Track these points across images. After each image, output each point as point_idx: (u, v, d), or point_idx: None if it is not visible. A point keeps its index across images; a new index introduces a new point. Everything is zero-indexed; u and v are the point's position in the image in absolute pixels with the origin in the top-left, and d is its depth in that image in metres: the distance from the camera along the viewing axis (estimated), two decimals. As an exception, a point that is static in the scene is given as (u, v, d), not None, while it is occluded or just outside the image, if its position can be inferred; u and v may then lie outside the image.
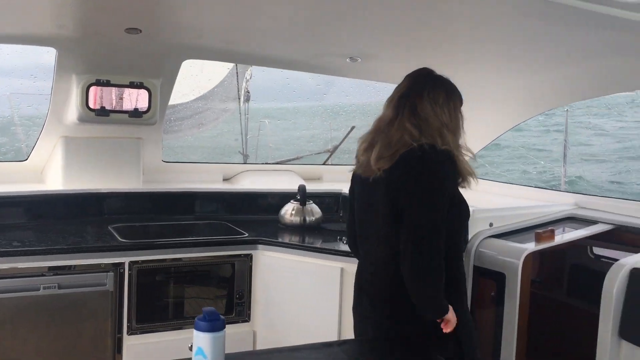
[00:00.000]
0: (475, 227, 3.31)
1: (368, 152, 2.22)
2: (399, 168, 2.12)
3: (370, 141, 2.24)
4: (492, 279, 3.03)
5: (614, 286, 2.46)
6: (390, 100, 2.27)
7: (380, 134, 2.21)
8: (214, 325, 1.72)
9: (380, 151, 2.16)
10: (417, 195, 2.07)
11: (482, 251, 3.24)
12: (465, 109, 4.20)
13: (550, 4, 2.26)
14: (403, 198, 2.09)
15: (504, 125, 4.15)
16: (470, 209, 3.31)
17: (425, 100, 2.20)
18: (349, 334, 3.05)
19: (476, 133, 4.30)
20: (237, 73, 5.57)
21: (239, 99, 5.65)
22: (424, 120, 2.16)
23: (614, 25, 2.48)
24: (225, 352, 1.81)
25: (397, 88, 2.30)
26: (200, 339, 1.73)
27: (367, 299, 2.33)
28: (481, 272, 3.21)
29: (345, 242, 3.34)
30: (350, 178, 2.47)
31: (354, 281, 2.46)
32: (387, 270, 2.19)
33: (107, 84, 3.34)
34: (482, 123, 4.26)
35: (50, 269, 2.91)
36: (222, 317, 1.76)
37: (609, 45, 2.93)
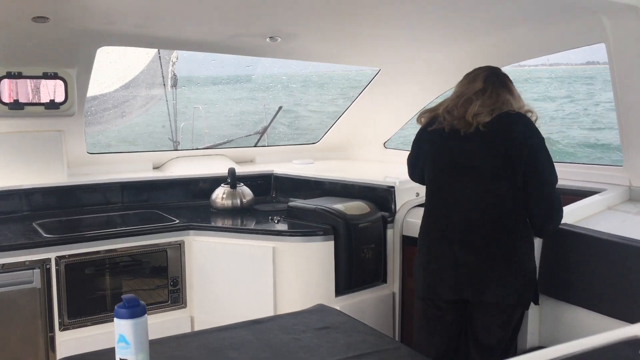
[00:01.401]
0: (402, 198, 3.41)
1: (457, 110, 2.54)
2: (505, 124, 2.47)
3: (456, 105, 2.56)
4: (419, 247, 3.13)
5: None
6: (474, 77, 2.61)
7: (471, 99, 2.53)
8: (133, 311, 1.72)
9: (477, 109, 2.49)
10: (538, 148, 2.45)
11: (410, 220, 3.34)
12: (391, 82, 4.31)
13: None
14: (523, 149, 2.43)
15: (428, 95, 4.24)
16: (396, 180, 3.43)
17: (509, 82, 2.63)
18: (284, 310, 3.10)
19: (399, 107, 4.40)
20: (159, 57, 5.45)
21: (164, 84, 5.54)
22: (514, 95, 2.58)
23: None
24: (159, 337, 1.82)
25: (472, 72, 2.67)
26: (122, 327, 1.73)
27: (461, 245, 2.48)
28: (409, 241, 3.32)
29: (277, 221, 3.37)
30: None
31: (427, 235, 2.62)
32: (492, 215, 2.45)
33: (19, 76, 3.23)
34: (404, 97, 4.35)
35: (-28, 270, 2.81)
36: (142, 302, 1.76)
37: (516, 15, 3.04)
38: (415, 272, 2.67)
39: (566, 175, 3.17)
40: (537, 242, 2.58)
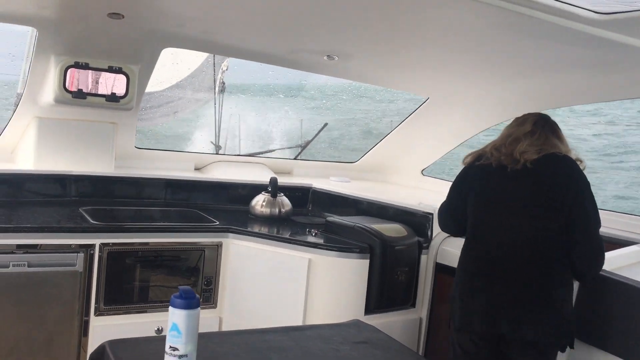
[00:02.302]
0: (438, 226, 3.44)
1: (506, 148, 2.61)
2: (552, 164, 2.53)
3: (504, 143, 2.63)
4: (453, 276, 3.16)
5: None
6: (523, 120, 2.69)
7: (519, 139, 2.60)
8: (189, 302, 1.79)
9: (525, 147, 2.56)
10: (584, 193, 2.48)
11: (445, 249, 3.38)
12: (438, 111, 4.37)
13: (520, 16, 2.39)
14: (569, 192, 2.46)
15: (472, 129, 4.29)
16: (434, 208, 3.47)
17: (558, 129, 2.69)
18: (313, 322, 3.16)
19: (446, 135, 4.46)
20: (214, 63, 5.59)
21: (214, 89, 5.67)
22: (562, 141, 2.64)
23: (577, 39, 2.62)
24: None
25: (522, 116, 2.74)
26: (176, 316, 1.79)
27: (499, 282, 2.51)
28: (442, 269, 3.36)
29: (314, 234, 3.44)
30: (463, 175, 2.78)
31: (466, 269, 2.65)
32: (532, 255, 2.47)
33: (86, 67, 3.35)
34: (449, 127, 4.41)
35: (20, 247, 2.91)
36: (197, 295, 1.83)
37: (570, 60, 3.09)
38: (452, 303, 2.68)
39: (605, 223, 3.18)
40: (575, 287, 2.60)
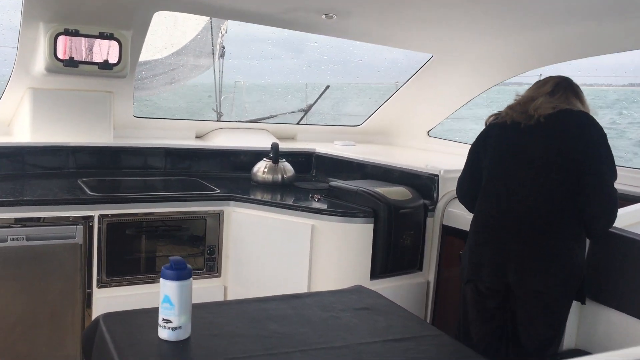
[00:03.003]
0: (445, 188, 3.36)
1: (521, 106, 2.57)
2: (566, 118, 2.47)
3: (520, 102, 2.60)
4: (459, 238, 3.09)
5: None
6: (544, 82, 2.63)
7: (536, 98, 2.56)
8: (180, 273, 1.74)
9: (541, 104, 2.52)
10: (599, 143, 2.42)
11: (451, 210, 3.30)
12: (442, 69, 4.24)
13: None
14: (583, 145, 2.41)
15: (478, 87, 4.16)
16: (440, 169, 3.39)
17: (581, 91, 2.62)
18: (318, 289, 3.10)
19: (452, 95, 4.33)
20: (211, 27, 5.46)
21: (213, 54, 5.56)
22: (584, 103, 2.59)
23: None
24: (195, 302, 1.83)
25: (543, 79, 2.67)
26: (167, 287, 1.74)
27: (508, 233, 2.49)
28: (449, 231, 3.28)
29: (317, 199, 3.36)
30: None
31: (478, 221, 2.63)
32: (543, 207, 2.43)
33: (76, 33, 3.25)
34: (454, 86, 4.28)
35: (18, 220, 2.87)
36: (188, 266, 1.77)
37: (578, 9, 2.95)
38: (463, 255, 2.68)
39: (617, 179, 3.09)
40: (587, 243, 2.52)
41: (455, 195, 3.33)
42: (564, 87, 2.58)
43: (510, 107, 2.64)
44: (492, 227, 2.56)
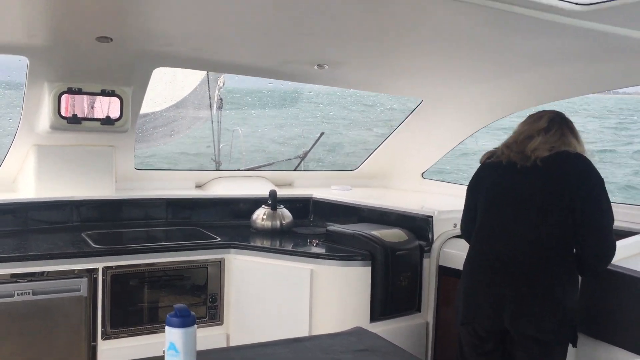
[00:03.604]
0: (440, 229, 3.44)
1: (517, 146, 2.59)
2: (564, 162, 2.49)
3: (516, 141, 2.62)
4: (456, 277, 3.15)
5: None
6: (538, 117, 2.65)
7: (532, 136, 2.58)
8: (185, 321, 1.80)
9: (538, 145, 2.53)
10: (598, 189, 2.44)
11: (446, 251, 3.37)
12: (433, 113, 4.38)
13: (504, 13, 2.39)
14: (580, 189, 2.43)
15: (469, 128, 4.29)
16: (434, 210, 3.47)
17: (574, 127, 2.65)
18: (319, 332, 3.14)
19: (443, 137, 4.45)
20: (208, 80, 5.63)
21: (211, 106, 5.71)
22: (579, 140, 2.61)
23: (562, 32, 2.62)
24: (198, 350, 1.89)
25: (537, 113, 2.70)
26: (173, 335, 1.80)
27: (502, 275, 2.51)
28: (445, 271, 3.35)
29: (315, 244, 3.43)
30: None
31: (473, 263, 2.65)
32: (536, 250, 2.46)
33: (79, 92, 3.38)
34: (445, 129, 4.40)
35: (24, 275, 2.94)
36: (192, 313, 1.83)
37: (559, 52, 3.09)
38: (457, 297, 2.70)
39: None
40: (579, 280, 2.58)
41: (450, 236, 3.42)
42: (558, 123, 2.60)
43: (506, 146, 2.65)
44: (486, 268, 2.57)
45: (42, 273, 2.98)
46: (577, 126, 2.70)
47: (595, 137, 20.64)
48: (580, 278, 2.58)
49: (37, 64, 3.18)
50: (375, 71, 3.77)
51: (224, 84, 5.56)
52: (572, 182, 2.45)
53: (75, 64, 3.26)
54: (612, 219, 2.47)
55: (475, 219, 2.71)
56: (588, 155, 2.58)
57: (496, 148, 2.72)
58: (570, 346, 2.59)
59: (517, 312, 2.46)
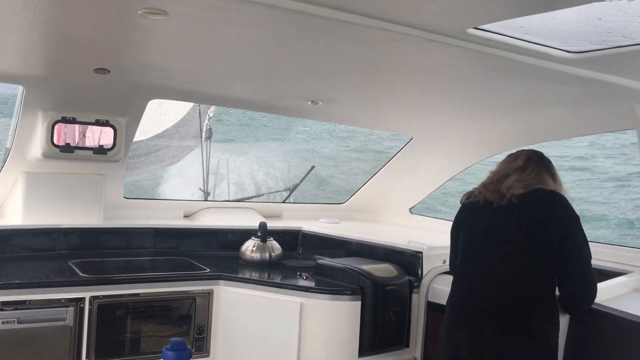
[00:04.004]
0: (429, 264, 3.47)
1: (494, 185, 2.63)
2: (538, 199, 2.51)
3: (492, 180, 2.66)
4: (444, 314, 3.17)
5: None
6: (516, 156, 2.69)
7: (508, 175, 2.61)
8: (181, 355, 1.79)
9: (513, 183, 2.57)
10: (574, 228, 2.47)
11: (435, 287, 3.40)
12: (423, 150, 4.45)
13: (496, 58, 2.47)
14: (556, 228, 2.44)
15: (458, 166, 4.36)
16: (424, 246, 3.50)
17: (552, 166, 2.69)
18: (307, 367, 3.14)
19: (432, 173, 4.52)
20: (199, 111, 5.66)
21: (201, 137, 5.74)
22: (555, 179, 2.64)
23: (554, 77, 2.71)
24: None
25: (515, 152, 2.74)
26: (167, 369, 1.79)
27: (486, 316, 2.50)
28: (434, 307, 3.36)
29: (305, 277, 3.44)
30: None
31: (454, 302, 2.67)
32: (516, 290, 2.47)
33: (73, 121, 3.39)
34: (435, 165, 4.47)
35: (9, 303, 2.89)
36: (188, 347, 1.83)
37: (549, 96, 3.18)
38: (441, 335, 2.71)
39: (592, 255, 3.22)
40: (565, 318, 2.61)
41: (440, 272, 3.45)
42: (535, 162, 2.62)
43: (483, 186, 2.69)
44: (466, 308, 2.59)
45: (27, 301, 2.94)
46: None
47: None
48: (565, 316, 2.61)
49: (33, 93, 3.19)
50: (367, 108, 3.84)
51: (213, 114, 5.60)
52: (548, 221, 2.46)
53: (71, 94, 3.28)
54: (590, 256, 2.49)
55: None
56: (563, 192, 2.61)
57: (474, 188, 2.75)
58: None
59: (498, 352, 2.47)
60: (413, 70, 2.89)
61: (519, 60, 2.46)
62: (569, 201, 2.56)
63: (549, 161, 2.70)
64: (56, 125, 3.37)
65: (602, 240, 3.56)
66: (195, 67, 3.03)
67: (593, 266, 2.55)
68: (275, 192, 4.85)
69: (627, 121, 3.11)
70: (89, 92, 3.26)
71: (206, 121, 5.60)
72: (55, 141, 3.39)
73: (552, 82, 2.83)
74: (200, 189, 6.04)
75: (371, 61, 2.75)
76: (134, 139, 3.88)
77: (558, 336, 2.51)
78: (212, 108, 5.60)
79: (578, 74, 2.58)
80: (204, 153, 5.80)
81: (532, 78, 2.80)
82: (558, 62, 2.49)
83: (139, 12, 2.12)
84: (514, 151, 2.77)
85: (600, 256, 3.37)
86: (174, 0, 2.05)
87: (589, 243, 2.53)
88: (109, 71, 2.97)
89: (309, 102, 3.59)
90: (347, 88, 3.35)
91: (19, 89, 3.22)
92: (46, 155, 3.39)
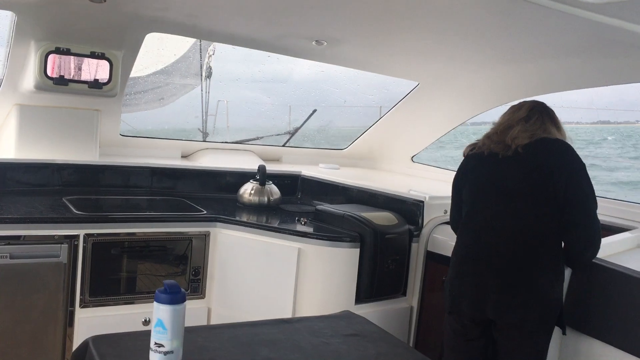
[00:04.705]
0: (430, 214, 3.42)
1: (498, 136, 2.59)
2: (544, 148, 2.48)
3: (496, 131, 2.62)
4: (443, 264, 3.14)
5: None
6: (519, 107, 2.65)
7: (512, 126, 2.58)
8: (174, 297, 1.74)
9: (517, 133, 2.53)
10: (580, 174, 2.44)
11: (436, 237, 3.35)
12: (428, 97, 4.33)
13: (513, 2, 2.33)
14: (562, 175, 2.41)
15: (463, 115, 4.25)
16: (425, 195, 3.43)
17: (555, 115, 2.64)
18: (303, 313, 3.12)
19: (436, 122, 4.41)
20: (200, 48, 5.49)
21: (201, 75, 5.58)
22: (559, 128, 2.61)
23: (571, 24, 2.57)
24: (186, 326, 1.83)
25: (518, 104, 2.69)
26: (161, 311, 1.74)
27: (486, 265, 2.49)
28: (433, 257, 3.33)
29: (303, 222, 3.39)
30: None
31: (458, 253, 2.63)
32: (520, 239, 2.44)
33: (68, 52, 3.26)
34: (440, 113, 4.36)
35: (2, 238, 2.84)
36: (182, 290, 1.78)
37: (565, 45, 3.04)
38: (445, 286, 2.69)
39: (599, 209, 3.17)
40: (567, 273, 2.57)
41: (440, 222, 3.40)
42: (539, 112, 2.60)
43: (487, 137, 2.65)
44: (471, 259, 2.57)
45: (20, 237, 2.89)
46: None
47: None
48: (569, 271, 2.58)
49: (25, 21, 3.04)
50: (373, 51, 3.70)
51: (214, 52, 5.43)
52: (554, 169, 2.44)
53: (65, 23, 3.13)
54: (595, 204, 2.46)
55: (462, 214, 2.70)
56: (568, 141, 2.58)
57: (478, 140, 2.71)
58: (553, 337, 2.59)
59: (500, 302, 2.46)
60: (422, 13, 2.74)
61: (538, 2, 2.32)
62: (574, 149, 2.51)
63: (552, 111, 2.66)
64: (50, 56, 3.24)
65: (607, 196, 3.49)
66: (195, -1, 2.88)
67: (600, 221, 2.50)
68: (276, 135, 4.76)
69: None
70: (84, 22, 3.11)
71: (206, 59, 5.43)
72: (48, 73, 3.27)
73: (569, 30, 2.69)
74: (198, 129, 5.93)
75: (379, 1, 2.61)
76: (132, 75, 3.75)
77: (562, 288, 2.50)
78: (213, 46, 5.41)
79: (598, 20, 2.44)
80: (204, 92, 5.67)
81: (549, 24, 2.66)
82: (580, 7, 2.35)
83: None
84: (516, 102, 2.72)
85: (604, 211, 3.32)
86: None
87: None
88: (105, 0, 2.82)
89: (314, 42, 3.45)
90: (353, 28, 3.20)
91: (10, 16, 3.07)
92: (39, 87, 3.27)
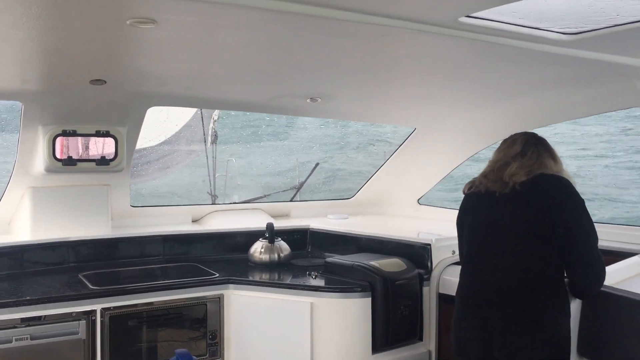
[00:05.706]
0: (438, 256, 3.45)
1: (494, 174, 2.59)
2: (542, 185, 2.47)
3: (493, 169, 2.61)
4: (456, 305, 3.14)
5: None
6: (512, 142, 2.64)
7: (509, 162, 2.57)
8: (186, 365, 1.79)
9: (515, 170, 2.52)
10: (580, 211, 2.43)
11: (446, 278, 3.37)
12: (426, 140, 4.41)
13: (493, 45, 2.43)
14: (561, 213, 2.40)
15: (460, 156, 4.32)
16: (433, 237, 3.47)
17: (549, 145, 2.64)
18: (321, 366, 3.12)
19: (438, 163, 4.48)
20: (202, 116, 5.66)
21: (205, 141, 5.73)
22: (555, 158, 2.60)
23: (551, 60, 2.66)
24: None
25: (510, 137, 2.68)
26: (174, 380, 1.79)
27: (490, 307, 2.48)
28: (445, 299, 3.34)
29: (314, 276, 3.43)
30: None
31: (461, 294, 2.64)
32: (523, 279, 2.42)
33: (74, 134, 3.39)
34: (439, 155, 4.43)
35: (22, 320, 2.90)
36: (194, 358, 1.82)
37: (547, 79, 3.13)
38: (451, 329, 2.69)
39: (603, 236, 3.17)
40: (577, 304, 2.58)
41: (449, 263, 3.43)
42: (533, 144, 2.58)
43: (484, 175, 2.64)
44: (474, 300, 2.56)
45: (39, 317, 2.95)
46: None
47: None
48: (576, 301, 2.58)
49: (31, 109, 3.20)
50: (367, 102, 3.81)
51: (218, 117, 5.59)
52: (553, 206, 2.42)
53: (69, 107, 3.28)
54: (596, 239, 2.45)
55: None
56: (566, 174, 2.57)
57: (475, 178, 2.71)
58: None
59: (507, 343, 2.43)
60: (408, 63, 2.85)
61: (515, 45, 2.43)
62: (573, 185, 2.52)
63: (545, 141, 2.65)
64: (57, 139, 3.38)
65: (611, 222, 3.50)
66: (189, 72, 3.02)
67: (604, 248, 2.51)
68: (283, 191, 4.85)
69: (630, 98, 3.06)
70: (87, 104, 3.26)
71: (211, 125, 5.59)
72: (57, 155, 3.40)
73: (550, 64, 2.79)
74: (207, 192, 6.05)
75: (365, 56, 2.72)
76: (138, 147, 3.88)
77: (569, 324, 2.47)
78: (216, 112, 5.59)
79: (575, 55, 2.53)
80: (210, 157, 5.81)
81: (529, 62, 2.76)
82: (554, 45, 2.45)
83: (128, 22, 2.11)
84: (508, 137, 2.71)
85: (610, 237, 3.33)
86: (161, 8, 2.03)
87: (599, 224, 2.50)
88: (105, 82, 2.97)
89: (308, 100, 3.57)
90: (345, 84, 3.32)
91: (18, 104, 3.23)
92: (49, 170, 3.40)
